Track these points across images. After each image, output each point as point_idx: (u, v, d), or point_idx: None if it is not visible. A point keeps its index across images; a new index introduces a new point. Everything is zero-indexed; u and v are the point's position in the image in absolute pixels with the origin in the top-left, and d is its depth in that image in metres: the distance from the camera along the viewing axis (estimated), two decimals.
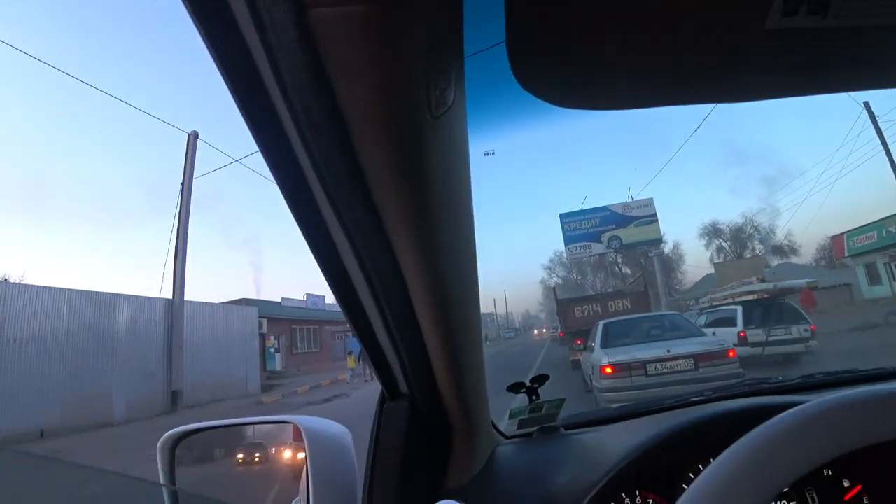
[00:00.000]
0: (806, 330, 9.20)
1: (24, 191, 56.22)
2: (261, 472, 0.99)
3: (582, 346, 9.82)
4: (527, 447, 0.95)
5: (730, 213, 78.22)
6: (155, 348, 13.33)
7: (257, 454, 0.98)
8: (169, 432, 0.87)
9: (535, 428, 0.99)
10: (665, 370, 5.78)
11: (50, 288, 11.29)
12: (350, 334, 36.51)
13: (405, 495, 0.70)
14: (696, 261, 68.37)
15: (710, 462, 0.66)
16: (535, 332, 52.35)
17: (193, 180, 14.52)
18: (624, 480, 0.66)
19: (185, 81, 66.97)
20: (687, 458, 0.68)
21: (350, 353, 19.30)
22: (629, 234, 28.62)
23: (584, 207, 29.88)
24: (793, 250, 43.34)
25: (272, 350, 22.35)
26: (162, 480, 0.85)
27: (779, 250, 43.81)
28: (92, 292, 12.18)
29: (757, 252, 43.10)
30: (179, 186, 14.35)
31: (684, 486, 0.66)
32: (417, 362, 0.66)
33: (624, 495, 0.67)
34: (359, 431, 0.88)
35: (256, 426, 1.02)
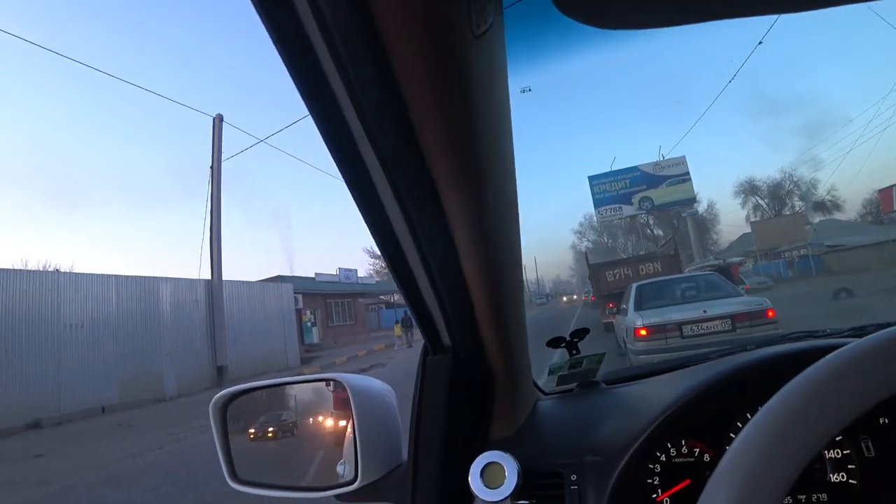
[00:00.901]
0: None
1: (64, 185, 58.68)
2: (289, 442, 1.01)
3: (614, 310, 10.07)
4: (568, 401, 0.95)
5: (767, 169, 74.39)
6: (199, 327, 13.95)
7: (270, 429, 0.99)
8: (219, 393, 0.90)
9: (574, 384, 0.98)
10: (701, 331, 5.66)
11: (98, 275, 11.88)
12: (383, 306, 37.37)
13: (450, 447, 0.70)
14: (733, 220, 66.07)
15: (758, 408, 0.64)
16: (564, 298, 47.61)
17: (222, 163, 14.80)
18: (669, 429, 0.64)
19: (204, 68, 67.41)
20: (734, 405, 0.66)
21: (396, 322, 21.70)
22: (661, 195, 27.81)
23: (614, 168, 29.00)
24: (836, 206, 41.41)
25: (309, 324, 23.04)
26: (216, 441, 0.88)
27: (821, 206, 41.91)
28: (137, 277, 12.76)
29: (797, 209, 41.37)
30: (209, 170, 14.66)
31: (732, 434, 0.65)
32: (460, 312, 0.65)
33: (669, 444, 0.66)
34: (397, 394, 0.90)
35: (299, 391, 1.03)
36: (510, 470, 0.66)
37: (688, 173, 27.51)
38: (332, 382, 0.98)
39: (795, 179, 42.92)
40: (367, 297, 31.91)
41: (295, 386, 1.04)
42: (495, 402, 0.79)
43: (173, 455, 6.13)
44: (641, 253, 24.21)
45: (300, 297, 20.64)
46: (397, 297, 42.86)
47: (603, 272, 13.88)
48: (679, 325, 5.78)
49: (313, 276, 26.22)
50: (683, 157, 27.95)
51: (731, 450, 0.33)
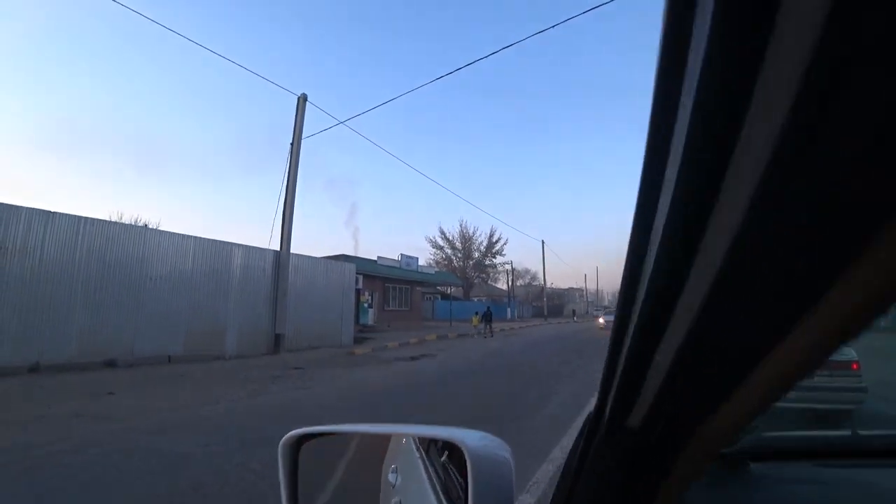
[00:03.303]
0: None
1: (161, 151, 63.85)
2: None
3: None
4: (721, 488, 0.71)
5: None
6: (263, 294, 14.54)
7: None
8: (291, 432, 0.83)
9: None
10: None
11: (179, 234, 12.66)
12: (439, 297, 37.37)
13: None
14: None
15: None
16: (601, 320, 34.08)
17: (302, 141, 15.29)
18: None
19: (292, 44, 70.59)
20: None
21: (476, 313, 24.91)
22: None
23: None
24: None
25: (366, 305, 23.56)
26: (281, 482, 0.80)
27: None
28: (212, 240, 13.46)
29: None
30: (289, 147, 15.20)
31: None
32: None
33: None
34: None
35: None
36: None
37: None
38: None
39: None
40: (425, 287, 32.14)
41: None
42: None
43: (226, 414, 6.31)
44: None
45: (360, 277, 21.08)
46: (453, 290, 42.89)
47: None
48: None
49: (375, 258, 26.72)
50: None
51: None
